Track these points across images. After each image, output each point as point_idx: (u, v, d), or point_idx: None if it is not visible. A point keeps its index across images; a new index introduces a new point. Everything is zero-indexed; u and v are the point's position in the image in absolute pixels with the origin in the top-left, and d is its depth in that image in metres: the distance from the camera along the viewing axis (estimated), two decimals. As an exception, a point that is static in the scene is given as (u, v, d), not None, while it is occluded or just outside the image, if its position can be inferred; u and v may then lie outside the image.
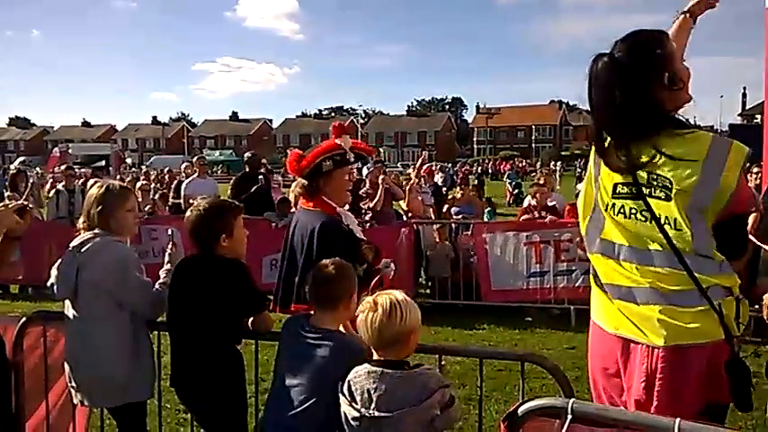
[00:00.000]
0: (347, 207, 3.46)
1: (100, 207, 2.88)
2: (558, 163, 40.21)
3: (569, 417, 1.65)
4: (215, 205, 2.84)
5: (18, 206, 2.80)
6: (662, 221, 2.03)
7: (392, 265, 3.33)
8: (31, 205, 2.86)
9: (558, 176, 30.96)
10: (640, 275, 2.10)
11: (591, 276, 2.34)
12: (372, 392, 2.11)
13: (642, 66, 2.07)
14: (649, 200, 2.05)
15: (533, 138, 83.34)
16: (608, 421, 1.64)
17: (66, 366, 2.92)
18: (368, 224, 7.90)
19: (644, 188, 2.06)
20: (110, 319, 2.83)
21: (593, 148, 2.28)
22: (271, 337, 2.80)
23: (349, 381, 2.19)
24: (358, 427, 2.11)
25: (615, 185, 2.15)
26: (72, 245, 2.89)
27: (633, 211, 2.11)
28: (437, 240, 8.07)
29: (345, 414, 2.16)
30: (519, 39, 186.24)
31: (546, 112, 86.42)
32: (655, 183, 2.04)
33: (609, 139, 2.20)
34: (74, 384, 2.91)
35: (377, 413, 2.07)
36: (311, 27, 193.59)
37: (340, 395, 2.20)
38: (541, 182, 7.94)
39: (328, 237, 3.01)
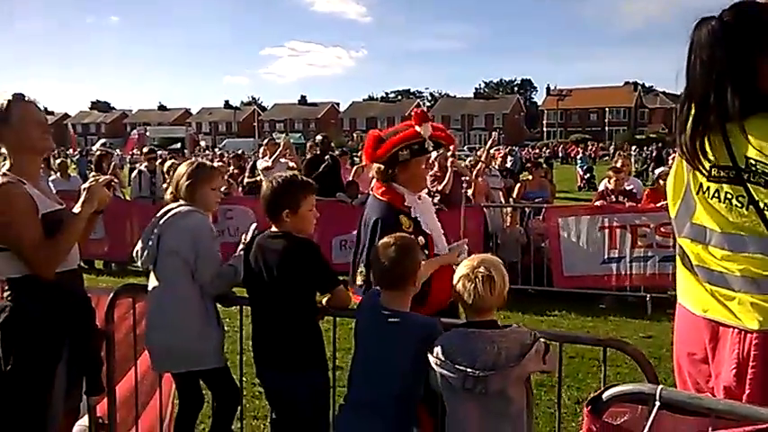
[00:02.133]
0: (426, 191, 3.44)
1: (189, 181, 3.08)
2: (634, 147, 38.62)
3: (657, 404, 1.60)
4: (284, 180, 2.89)
5: (107, 180, 2.96)
6: (761, 207, 1.93)
7: (465, 247, 3.31)
8: (116, 180, 3.04)
9: (633, 161, 29.90)
10: (732, 262, 2.00)
11: (678, 258, 2.26)
12: (476, 352, 2.17)
13: (751, 31, 1.95)
14: (749, 185, 1.95)
15: (606, 120, 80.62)
16: (700, 410, 1.57)
17: (145, 332, 3.11)
18: (436, 207, 7.87)
19: (743, 173, 1.95)
20: (185, 286, 2.98)
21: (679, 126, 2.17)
22: (347, 313, 2.86)
23: (443, 345, 2.23)
24: (462, 389, 2.16)
25: (711, 168, 2.05)
26: (156, 215, 3.07)
27: (729, 195, 2.00)
28: (507, 224, 7.96)
29: (445, 377, 2.20)
30: (592, 17, 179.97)
31: (620, 94, 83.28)
32: (754, 168, 1.92)
33: (692, 121, 2.08)
34: (150, 349, 3.10)
35: (483, 372, 2.12)
36: (378, 9, 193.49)
37: (434, 362, 2.23)
38: (619, 165, 7.69)
39: (382, 232, 3.01)
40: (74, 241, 2.75)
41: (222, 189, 9.20)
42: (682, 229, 2.19)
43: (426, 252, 3.04)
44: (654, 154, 29.31)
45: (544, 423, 4.04)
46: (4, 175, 2.64)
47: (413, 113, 3.26)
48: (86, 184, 2.82)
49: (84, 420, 3.18)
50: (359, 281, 3.08)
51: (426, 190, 3.41)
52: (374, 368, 2.45)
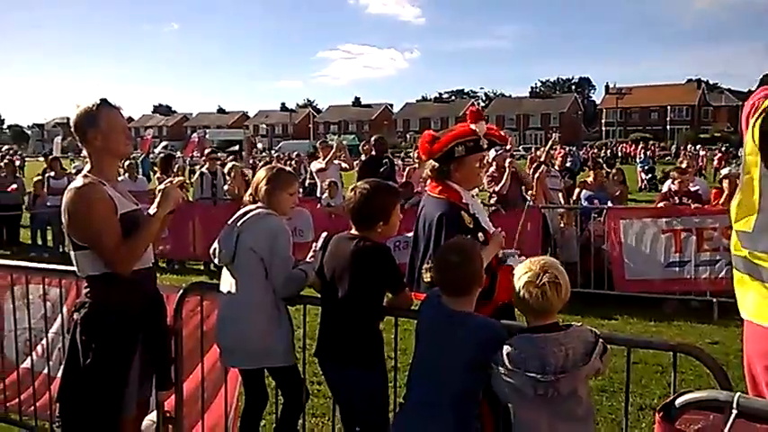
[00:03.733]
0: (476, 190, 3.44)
1: (268, 186, 3.14)
2: (698, 146, 37.07)
3: (734, 411, 1.56)
4: (375, 192, 2.92)
5: (180, 182, 3.09)
6: None
7: (516, 255, 3.28)
8: (187, 180, 3.12)
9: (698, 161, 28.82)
10: None
11: (745, 275, 2.15)
12: (545, 357, 2.16)
13: None
14: None
15: (668, 119, 78.04)
16: (782, 419, 1.53)
17: (216, 328, 3.17)
18: (493, 208, 7.80)
19: None
20: (260, 284, 3.03)
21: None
22: (408, 314, 2.88)
23: (509, 354, 2.22)
24: (534, 394, 2.15)
25: None
26: (235, 216, 3.15)
27: None
28: (563, 225, 7.83)
29: (514, 385, 2.19)
30: (652, 13, 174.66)
31: (683, 92, 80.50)
32: None
33: None
34: (218, 344, 3.17)
35: (553, 375, 2.12)
36: (432, 10, 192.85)
37: (501, 370, 2.22)
38: (684, 165, 7.45)
39: (448, 228, 3.03)
40: (150, 240, 2.87)
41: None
42: (758, 244, 2.08)
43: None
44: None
45: (606, 429, 3.95)
46: (86, 176, 2.78)
47: (468, 112, 3.32)
48: (161, 186, 2.93)
49: (152, 415, 3.30)
50: (427, 278, 3.10)
51: (477, 190, 3.41)
52: (435, 369, 2.45)
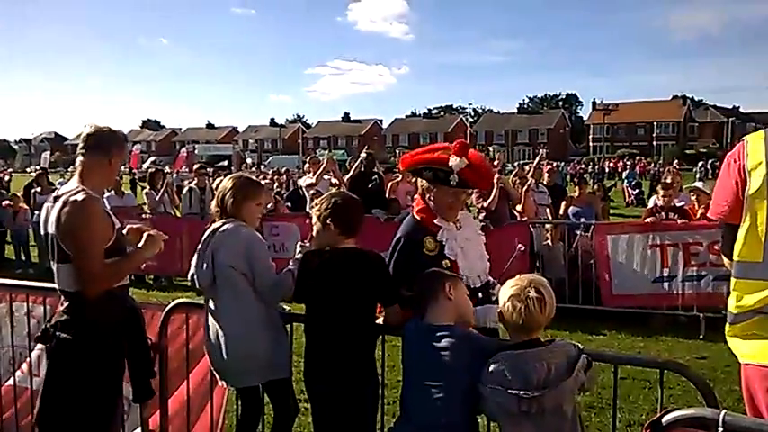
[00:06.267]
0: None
1: (234, 197, 3.10)
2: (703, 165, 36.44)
3: (720, 429, 1.57)
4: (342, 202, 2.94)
5: (164, 238, 2.98)
6: None
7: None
8: (165, 237, 3.01)
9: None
10: None
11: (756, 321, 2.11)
12: (528, 373, 2.17)
13: None
14: None
15: (654, 135, 78.87)
16: (766, 436, 1.53)
17: (209, 351, 3.12)
18: (481, 225, 7.79)
19: None
20: (250, 299, 3.01)
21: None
22: (394, 331, 2.86)
23: (493, 370, 2.22)
24: (518, 411, 2.14)
25: None
26: (206, 234, 3.12)
27: None
28: (549, 241, 7.85)
29: (498, 403, 2.19)
30: (639, 30, 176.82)
31: (668, 108, 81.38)
32: None
33: None
34: (217, 368, 3.10)
35: (537, 391, 2.12)
36: (420, 27, 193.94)
37: (486, 388, 2.22)
38: (668, 181, 7.51)
39: (400, 251, 3.02)
40: (129, 273, 3.02)
41: (269, 206, 9.39)
42: None
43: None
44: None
45: (595, 446, 3.94)
46: (84, 191, 2.75)
47: (455, 143, 3.08)
48: (152, 232, 2.95)
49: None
50: None
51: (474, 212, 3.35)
52: (427, 388, 2.42)
